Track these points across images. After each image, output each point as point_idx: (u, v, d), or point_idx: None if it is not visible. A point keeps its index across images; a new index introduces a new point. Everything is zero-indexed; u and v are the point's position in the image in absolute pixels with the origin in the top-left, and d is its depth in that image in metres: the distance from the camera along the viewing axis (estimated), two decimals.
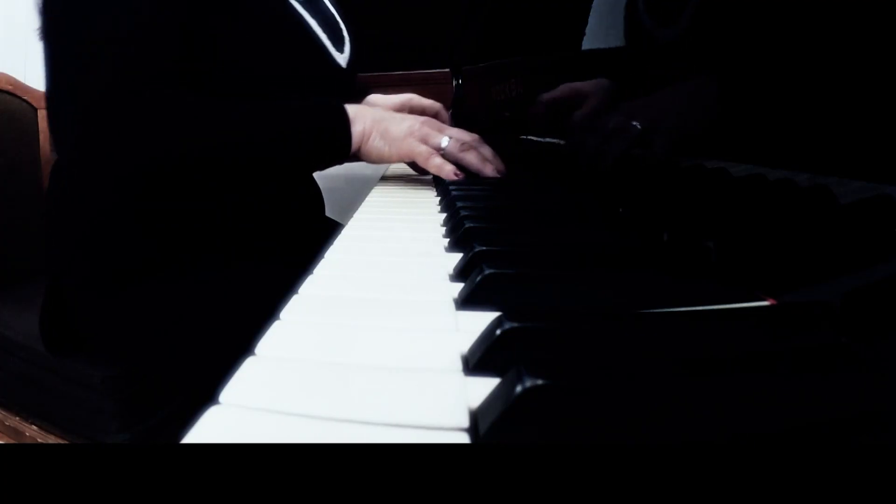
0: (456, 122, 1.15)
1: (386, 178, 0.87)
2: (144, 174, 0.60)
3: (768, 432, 0.19)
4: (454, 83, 1.29)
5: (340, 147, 0.68)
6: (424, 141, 0.70)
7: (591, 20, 0.73)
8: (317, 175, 0.92)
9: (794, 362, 0.22)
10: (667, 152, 0.52)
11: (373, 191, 0.74)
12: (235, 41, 0.66)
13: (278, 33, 0.70)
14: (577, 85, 0.70)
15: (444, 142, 0.70)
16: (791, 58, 0.40)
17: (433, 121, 0.74)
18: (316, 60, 0.76)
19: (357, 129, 0.68)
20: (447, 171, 0.70)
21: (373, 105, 0.92)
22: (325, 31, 0.77)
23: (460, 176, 0.70)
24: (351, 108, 0.69)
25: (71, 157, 0.62)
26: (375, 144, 0.69)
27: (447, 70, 1.38)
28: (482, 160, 0.72)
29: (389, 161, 0.72)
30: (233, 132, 0.63)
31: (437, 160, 0.70)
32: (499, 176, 0.73)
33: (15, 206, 1.17)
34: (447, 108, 1.25)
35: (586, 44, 0.74)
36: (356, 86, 0.94)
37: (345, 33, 0.86)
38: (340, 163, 0.70)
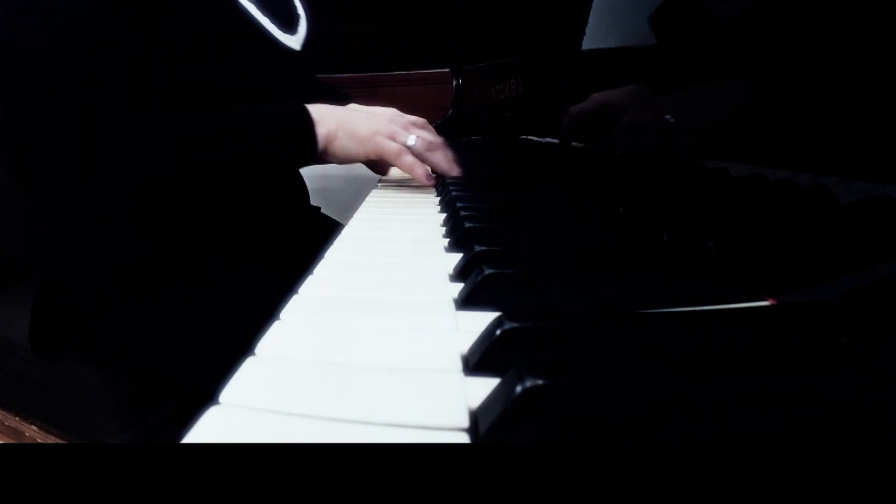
0: (456, 122, 1.15)
1: (386, 179, 0.87)
2: (107, 194, 0.59)
3: (768, 432, 0.19)
4: (454, 83, 1.29)
5: (305, 151, 0.66)
6: (392, 138, 0.68)
7: (591, 20, 0.73)
8: (316, 174, 0.91)
9: (794, 362, 0.22)
10: (694, 150, 0.51)
11: (373, 191, 0.74)
12: (169, 40, 0.64)
13: (210, 25, 0.67)
14: (608, 97, 0.69)
15: (412, 140, 0.69)
16: (792, 58, 0.40)
17: (399, 117, 0.72)
18: (257, 47, 0.73)
19: (322, 130, 0.66)
20: (420, 173, 0.69)
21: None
22: (267, 13, 0.74)
23: (432, 179, 0.70)
24: (315, 110, 0.67)
25: (32, 185, 0.61)
26: (342, 144, 0.67)
27: (447, 70, 1.38)
28: (449, 161, 0.71)
29: (357, 160, 0.70)
30: (193, 144, 0.62)
31: (409, 159, 0.68)
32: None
33: (15, 206, 1.17)
34: (447, 108, 1.25)
35: (586, 44, 0.74)
36: (317, 81, 0.92)
37: (300, 11, 0.82)
38: (308, 164, 0.69)
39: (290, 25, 0.79)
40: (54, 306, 0.72)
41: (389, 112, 0.73)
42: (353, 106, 0.84)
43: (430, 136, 0.71)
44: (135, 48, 0.61)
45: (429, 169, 0.70)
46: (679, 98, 0.52)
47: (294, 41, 0.78)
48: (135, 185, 0.60)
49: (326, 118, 0.67)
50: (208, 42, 0.66)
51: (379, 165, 0.82)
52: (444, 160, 0.71)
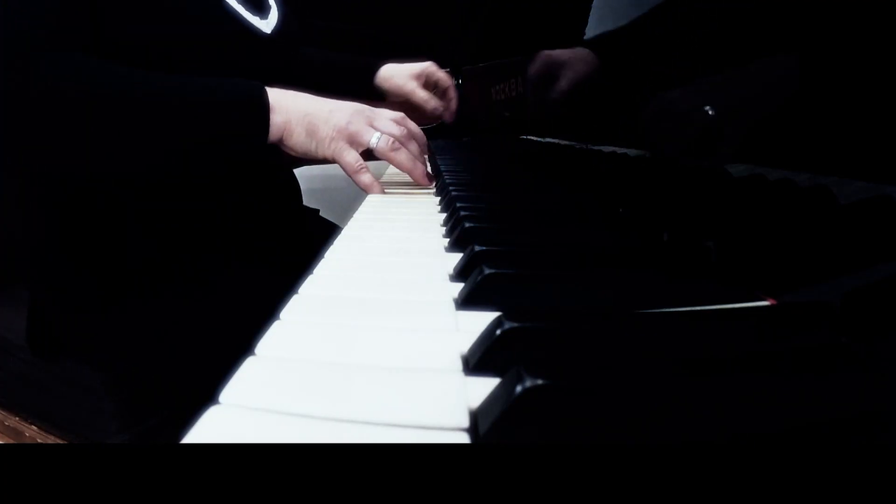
0: (456, 122, 1.16)
1: (386, 178, 0.87)
2: (41, 155, 0.56)
3: (768, 432, 0.19)
4: (454, 83, 1.29)
5: (254, 138, 0.62)
6: (353, 140, 0.65)
7: (591, 20, 0.73)
8: (316, 175, 0.91)
9: (794, 362, 0.22)
10: (735, 143, 0.46)
11: None
12: (137, 20, 0.61)
13: (178, 5, 0.64)
14: (554, 53, 0.67)
15: (374, 140, 0.66)
16: (791, 58, 0.40)
17: (365, 112, 0.68)
18: (225, 30, 0.69)
19: (278, 119, 0.62)
20: (376, 190, 0.67)
21: (385, 77, 0.92)
22: None
23: (381, 189, 0.68)
24: (275, 95, 0.62)
25: None
26: (300, 140, 0.64)
27: (447, 70, 1.38)
28: (412, 160, 0.68)
29: (315, 160, 0.67)
30: (134, 102, 0.57)
31: (365, 178, 0.66)
32: (426, 180, 0.70)
33: (14, 207, 1.17)
34: None
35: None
36: (299, 54, 0.88)
37: (271, 1, 0.80)
38: (257, 154, 0.65)
39: (260, 10, 0.77)
40: (51, 307, 0.72)
41: (353, 106, 0.68)
42: (385, 68, 0.81)
43: (397, 130, 0.68)
44: (97, 18, 0.58)
45: (381, 186, 0.69)
46: (753, 80, 0.45)
47: (265, 25, 0.75)
48: (62, 153, 0.56)
49: (285, 106, 0.63)
50: (170, 19, 0.63)
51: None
52: (408, 161, 0.68)
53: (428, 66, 0.91)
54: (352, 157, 0.66)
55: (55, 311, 0.71)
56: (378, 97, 0.94)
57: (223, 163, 0.66)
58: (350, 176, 0.67)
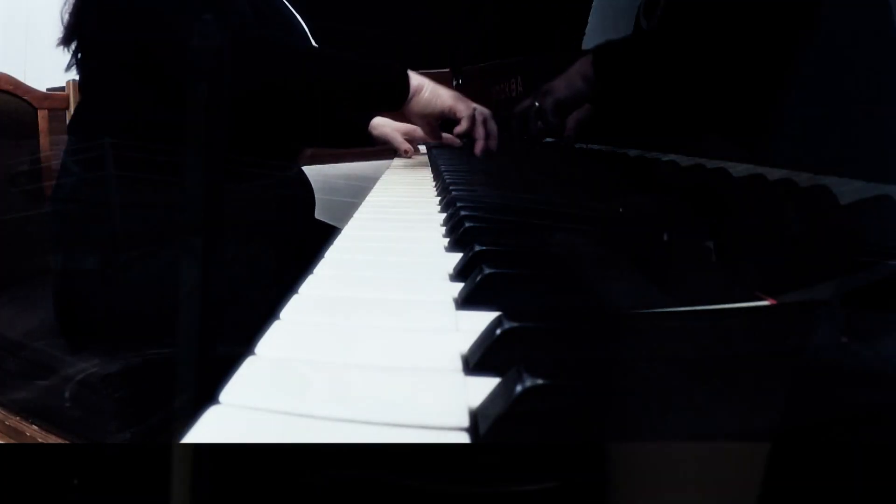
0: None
1: (386, 179, 0.88)
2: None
3: (768, 432, 0.19)
4: (454, 83, 1.29)
5: (399, 90, 0.85)
6: (466, 101, 0.89)
7: (591, 20, 0.73)
8: (316, 175, 0.93)
9: (794, 362, 0.22)
10: (556, 120, 0.67)
11: (373, 191, 0.74)
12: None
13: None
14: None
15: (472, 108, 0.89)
16: (790, 57, 0.40)
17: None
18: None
19: (414, 82, 0.85)
20: (481, 133, 0.89)
21: (379, 126, 1.22)
22: None
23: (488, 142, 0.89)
24: (410, 71, 0.87)
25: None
26: (425, 97, 0.86)
27: (447, 70, 1.38)
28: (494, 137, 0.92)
29: (433, 112, 0.89)
30: (312, 59, 0.83)
31: (471, 121, 0.88)
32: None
33: (15, 206, 1.17)
34: None
35: (586, 44, 0.74)
36: None
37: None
38: (397, 104, 0.86)
39: None
40: (68, 291, 0.73)
41: None
42: (376, 121, 1.14)
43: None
44: None
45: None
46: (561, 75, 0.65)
47: None
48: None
49: (418, 77, 0.86)
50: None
51: (433, 130, 1.01)
52: (493, 136, 0.91)
53: (415, 129, 1.22)
54: (464, 105, 0.88)
55: (74, 291, 0.73)
56: (367, 141, 1.26)
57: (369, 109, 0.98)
58: (465, 112, 0.88)
